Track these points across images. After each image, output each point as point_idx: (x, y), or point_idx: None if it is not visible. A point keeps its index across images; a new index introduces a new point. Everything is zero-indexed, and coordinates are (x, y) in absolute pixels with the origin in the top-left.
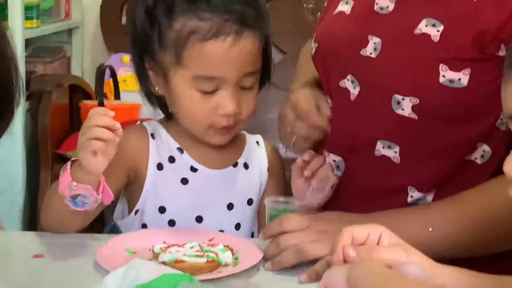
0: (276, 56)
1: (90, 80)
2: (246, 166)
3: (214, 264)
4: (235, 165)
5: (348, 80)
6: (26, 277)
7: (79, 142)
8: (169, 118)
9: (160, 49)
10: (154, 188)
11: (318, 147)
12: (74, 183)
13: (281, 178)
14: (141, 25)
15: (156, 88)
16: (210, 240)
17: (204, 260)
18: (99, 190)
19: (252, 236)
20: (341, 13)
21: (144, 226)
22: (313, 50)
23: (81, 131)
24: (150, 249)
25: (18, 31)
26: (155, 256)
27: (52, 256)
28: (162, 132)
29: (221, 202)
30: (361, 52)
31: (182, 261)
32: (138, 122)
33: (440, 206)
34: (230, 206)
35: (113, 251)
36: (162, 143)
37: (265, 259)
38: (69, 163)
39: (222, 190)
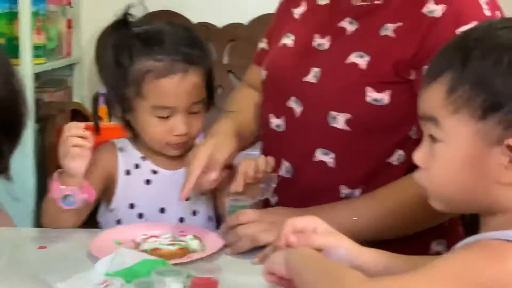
0: (236, 84)
1: (88, 106)
2: None
3: (185, 251)
4: None
5: (292, 100)
6: (33, 264)
7: (60, 152)
8: (136, 137)
9: (125, 84)
10: (125, 189)
11: (274, 154)
12: (62, 186)
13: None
14: (109, 65)
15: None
16: (181, 232)
17: (176, 248)
18: (83, 190)
19: (211, 219)
20: (285, 46)
21: (118, 221)
22: (263, 77)
23: (60, 142)
24: (133, 240)
25: (29, 66)
26: (137, 245)
27: (53, 247)
28: (129, 146)
29: (179, 195)
30: (303, 79)
31: (159, 249)
32: (110, 140)
33: (363, 199)
34: (187, 198)
35: (103, 242)
36: (129, 154)
37: (226, 246)
38: (55, 174)
39: (179, 186)
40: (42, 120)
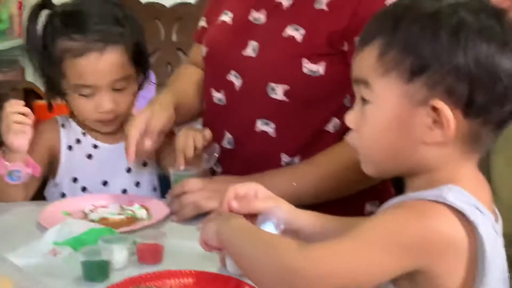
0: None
1: (41, 86)
2: None
3: (132, 220)
4: None
5: (232, 74)
6: None
7: (2, 129)
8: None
9: (49, 64)
10: (67, 164)
11: (216, 127)
12: (7, 162)
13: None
14: (36, 47)
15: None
16: (129, 202)
17: (123, 217)
18: (28, 165)
19: (155, 189)
20: (224, 22)
21: (63, 194)
22: (204, 53)
23: (1, 119)
24: (81, 211)
25: None
26: (85, 216)
27: (3, 219)
28: (71, 122)
29: (120, 168)
30: (242, 53)
31: (106, 219)
32: (53, 117)
33: (302, 166)
34: (128, 170)
35: (52, 213)
36: (71, 130)
37: (172, 213)
38: (0, 151)
39: (120, 159)
40: None
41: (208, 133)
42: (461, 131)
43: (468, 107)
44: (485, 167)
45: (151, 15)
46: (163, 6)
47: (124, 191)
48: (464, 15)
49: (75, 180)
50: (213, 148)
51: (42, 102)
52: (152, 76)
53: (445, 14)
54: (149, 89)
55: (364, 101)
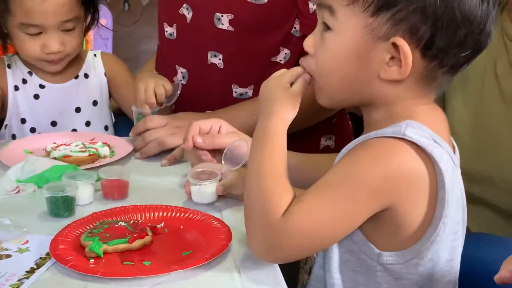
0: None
1: None
2: (86, 76)
3: (95, 157)
4: (76, 77)
5: (184, 7)
6: None
7: None
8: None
9: None
10: (15, 105)
11: (169, 62)
12: None
13: (124, 78)
14: None
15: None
16: (91, 140)
17: (86, 154)
18: None
19: (107, 128)
20: None
21: (13, 136)
22: None
23: None
24: (43, 149)
25: None
26: (48, 153)
27: None
28: (18, 62)
29: (69, 108)
30: None
31: (69, 156)
32: (1, 57)
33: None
34: (78, 110)
35: (13, 152)
36: (17, 69)
37: (135, 150)
38: None
39: (68, 98)
40: None
41: (168, 85)
42: (417, 71)
43: (427, 49)
44: (440, 103)
45: None
46: None
47: (74, 131)
48: None
49: (23, 121)
50: (176, 85)
51: None
52: (108, 14)
53: None
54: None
55: (326, 27)
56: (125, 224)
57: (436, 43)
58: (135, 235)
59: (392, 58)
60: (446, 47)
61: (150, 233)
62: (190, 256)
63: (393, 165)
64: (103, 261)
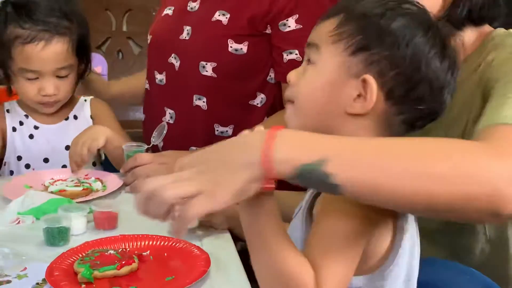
0: (135, 49)
1: None
2: (75, 117)
3: (88, 191)
4: (67, 118)
5: (172, 57)
6: None
7: None
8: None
9: (0, 47)
10: (12, 145)
11: (158, 104)
12: None
13: (106, 122)
14: None
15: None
16: (86, 175)
17: (80, 188)
18: None
19: (95, 164)
20: (166, 15)
21: (11, 172)
22: (149, 40)
23: None
24: (42, 184)
25: None
26: (46, 188)
27: None
28: (16, 106)
29: (60, 146)
30: (179, 37)
31: (65, 190)
32: (2, 103)
33: None
34: (67, 147)
35: (15, 187)
36: (15, 113)
37: (125, 185)
38: None
39: (59, 137)
40: None
41: (101, 142)
42: (378, 112)
43: (389, 93)
44: None
45: (102, 6)
46: None
47: (64, 167)
48: (417, 17)
49: (19, 158)
50: (161, 126)
51: (2, 87)
52: (103, 62)
53: (400, 9)
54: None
55: (309, 62)
56: (114, 252)
57: (397, 90)
58: (123, 262)
59: (359, 95)
60: (405, 97)
61: (136, 260)
62: (173, 281)
63: (363, 210)
64: (94, 286)
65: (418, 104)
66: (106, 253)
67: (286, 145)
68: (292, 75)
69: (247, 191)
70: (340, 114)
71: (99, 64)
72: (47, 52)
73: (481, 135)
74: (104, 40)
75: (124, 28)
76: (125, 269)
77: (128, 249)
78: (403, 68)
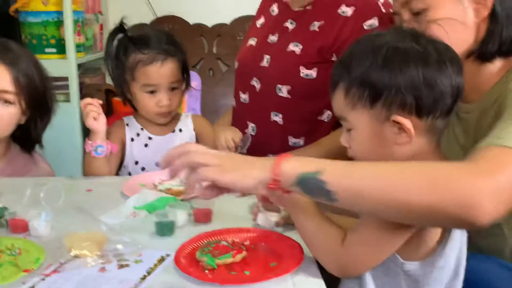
0: (223, 68)
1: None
2: (180, 130)
3: None
4: (173, 131)
5: (254, 80)
6: (82, 202)
7: (83, 117)
8: (137, 111)
9: (123, 72)
10: (131, 152)
11: (242, 119)
12: (91, 141)
13: (205, 134)
14: (113, 59)
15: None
16: None
17: (183, 187)
18: (107, 143)
19: None
20: (250, 45)
21: (129, 173)
22: (236, 66)
23: (82, 112)
24: (152, 183)
25: (73, 59)
26: (155, 186)
27: (97, 190)
28: (133, 120)
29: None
30: (260, 64)
31: (171, 189)
32: (122, 118)
33: (312, 146)
34: None
35: (132, 185)
36: (132, 127)
37: None
38: (86, 139)
39: (168, 146)
40: (85, 97)
41: (237, 137)
42: (420, 129)
43: (418, 111)
44: None
45: (197, 33)
46: (206, 26)
47: None
48: (400, 45)
49: (136, 162)
50: (247, 136)
51: (118, 99)
52: (198, 78)
53: (382, 48)
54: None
55: (348, 129)
56: (226, 243)
57: (424, 106)
58: (235, 251)
59: (399, 128)
60: (433, 104)
61: (244, 249)
62: (277, 267)
63: None
64: (215, 271)
65: (443, 100)
66: (219, 244)
67: (292, 160)
68: (343, 141)
69: (254, 188)
70: (394, 147)
71: (194, 80)
72: (163, 69)
73: (476, 154)
74: (198, 60)
75: (214, 51)
76: (238, 257)
77: (236, 240)
78: (417, 90)
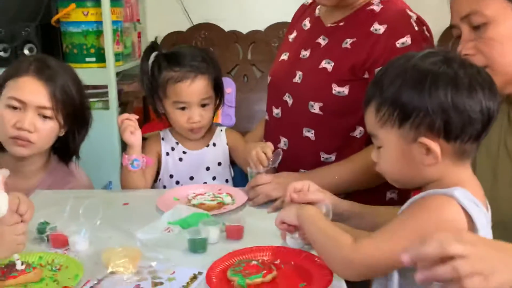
0: (257, 74)
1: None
2: (214, 144)
3: (221, 204)
4: (208, 145)
5: (286, 95)
6: (119, 216)
7: (121, 132)
8: (171, 126)
9: (156, 88)
10: (166, 165)
11: (275, 133)
12: (128, 155)
13: (238, 148)
14: (147, 77)
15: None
16: (219, 190)
17: (215, 202)
18: (143, 157)
19: (227, 181)
20: (283, 60)
21: (164, 186)
22: (268, 81)
23: (120, 126)
24: (186, 197)
25: (112, 67)
26: (189, 201)
27: (133, 203)
28: (169, 134)
29: (202, 167)
30: (292, 80)
31: (204, 204)
32: (157, 132)
33: (342, 163)
34: (207, 168)
35: (166, 199)
36: (168, 141)
37: (249, 200)
38: (123, 153)
39: (202, 161)
40: (123, 104)
41: (271, 146)
42: (448, 152)
43: (447, 135)
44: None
45: (232, 40)
46: (241, 33)
47: (205, 183)
48: (431, 67)
49: (171, 176)
50: (279, 153)
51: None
52: (232, 85)
53: (413, 70)
54: (230, 109)
55: (378, 147)
56: (257, 262)
57: (453, 130)
58: (266, 271)
59: (427, 149)
60: (460, 129)
61: (274, 269)
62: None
63: (443, 216)
64: None
65: (472, 124)
66: (250, 263)
67: None
68: (373, 157)
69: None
70: (420, 167)
71: (229, 86)
72: (193, 87)
73: None
74: (233, 67)
75: (249, 57)
76: (269, 277)
77: (266, 259)
78: (445, 113)
